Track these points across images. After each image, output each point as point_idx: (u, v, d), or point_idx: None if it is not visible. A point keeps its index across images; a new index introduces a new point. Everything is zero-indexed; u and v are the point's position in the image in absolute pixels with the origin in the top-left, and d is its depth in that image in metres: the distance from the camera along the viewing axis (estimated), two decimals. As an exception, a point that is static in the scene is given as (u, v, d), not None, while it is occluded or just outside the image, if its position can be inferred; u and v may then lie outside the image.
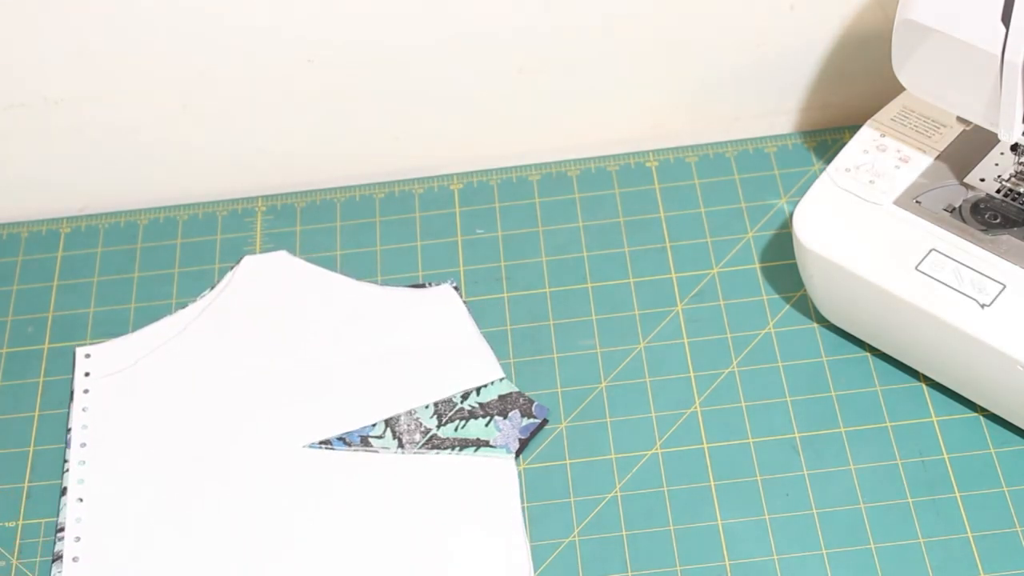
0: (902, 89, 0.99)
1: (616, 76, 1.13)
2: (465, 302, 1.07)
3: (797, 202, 0.99)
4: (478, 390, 1.02)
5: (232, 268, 1.11)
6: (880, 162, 0.99)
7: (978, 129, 0.94)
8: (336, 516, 0.97)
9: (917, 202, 0.97)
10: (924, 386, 0.99)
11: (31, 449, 1.03)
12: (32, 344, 1.09)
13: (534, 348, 1.05)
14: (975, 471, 0.95)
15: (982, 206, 0.96)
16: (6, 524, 1.00)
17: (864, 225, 0.96)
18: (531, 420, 1.00)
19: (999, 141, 0.98)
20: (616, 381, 1.02)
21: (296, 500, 0.98)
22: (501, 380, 1.02)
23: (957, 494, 0.94)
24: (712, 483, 0.97)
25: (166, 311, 1.09)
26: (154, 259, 1.14)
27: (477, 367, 1.03)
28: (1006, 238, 0.94)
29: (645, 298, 1.07)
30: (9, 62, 1.10)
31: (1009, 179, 0.97)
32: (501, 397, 1.02)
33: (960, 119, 0.96)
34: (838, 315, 1.01)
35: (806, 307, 1.04)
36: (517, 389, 1.02)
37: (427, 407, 1.01)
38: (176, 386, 1.04)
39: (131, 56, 1.10)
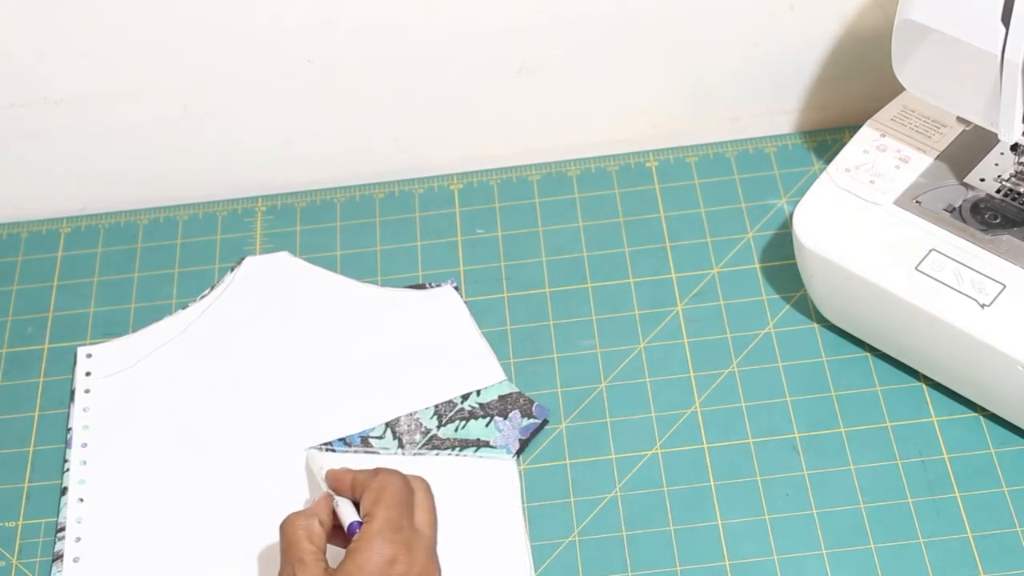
0: (902, 89, 0.99)
1: (616, 76, 1.13)
2: (465, 302, 1.07)
3: (797, 202, 0.99)
4: (478, 390, 1.02)
5: (233, 269, 1.11)
6: (880, 162, 0.99)
7: (978, 129, 0.94)
8: (336, 516, 0.97)
9: (917, 202, 0.97)
10: (924, 386, 0.99)
11: (31, 449, 1.03)
12: (32, 344, 1.09)
13: (534, 348, 1.05)
14: (975, 471, 0.95)
15: (982, 206, 0.96)
16: (6, 524, 1.00)
17: (864, 225, 0.96)
18: (531, 420, 1.00)
19: (999, 141, 0.98)
20: (616, 381, 1.02)
21: (296, 501, 0.98)
22: (501, 381, 1.02)
23: (957, 494, 0.94)
24: (712, 483, 0.97)
25: (166, 311, 1.10)
26: (154, 259, 1.14)
27: (478, 369, 1.03)
28: (1006, 238, 0.94)
29: (645, 298, 1.07)
30: (9, 62, 1.10)
31: (1009, 179, 0.97)
32: (501, 397, 1.02)
33: (960, 119, 0.96)
34: (838, 315, 1.01)
35: (806, 307, 1.04)
36: (517, 389, 1.02)
37: (427, 407, 1.01)
38: (177, 387, 1.04)
39: (131, 56, 1.10)
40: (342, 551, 0.86)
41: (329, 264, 1.11)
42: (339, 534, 0.88)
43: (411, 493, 0.87)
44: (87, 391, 1.05)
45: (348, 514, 0.87)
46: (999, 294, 0.92)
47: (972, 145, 0.99)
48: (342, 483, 0.89)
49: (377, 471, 0.87)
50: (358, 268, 1.11)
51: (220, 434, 1.02)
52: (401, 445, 1.00)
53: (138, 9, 1.07)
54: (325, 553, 0.86)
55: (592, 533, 0.95)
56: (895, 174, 0.98)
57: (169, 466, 1.00)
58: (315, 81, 1.12)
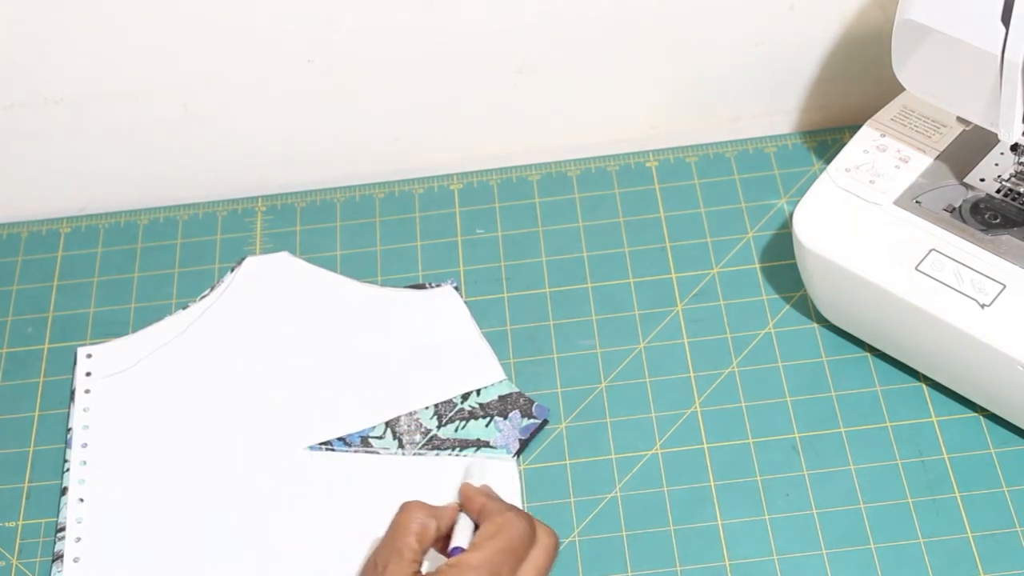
0: (902, 89, 0.99)
1: (616, 76, 1.14)
2: (465, 302, 1.07)
3: (797, 202, 0.99)
4: (478, 390, 1.02)
5: (233, 269, 1.11)
6: (880, 162, 0.99)
7: (978, 129, 0.94)
8: (337, 517, 0.97)
9: (917, 202, 0.97)
10: (924, 386, 0.99)
11: (31, 449, 1.03)
12: (32, 344, 1.09)
13: (534, 348, 1.05)
14: (975, 471, 0.95)
15: (982, 206, 0.96)
16: (6, 524, 1.00)
17: (864, 225, 0.96)
18: (531, 420, 1.00)
19: (999, 141, 0.98)
20: (616, 381, 1.02)
21: (296, 501, 0.98)
22: (501, 381, 1.02)
23: (957, 494, 0.94)
24: (712, 483, 0.97)
25: (166, 311, 1.10)
26: (154, 259, 1.14)
27: (478, 369, 1.03)
28: (1006, 238, 0.94)
29: (645, 298, 1.07)
30: (9, 62, 1.10)
31: (1009, 179, 0.97)
32: (501, 398, 1.02)
33: (960, 119, 0.96)
34: (838, 315, 1.01)
35: (806, 307, 1.04)
36: (517, 389, 1.02)
37: (427, 407, 1.01)
38: (177, 387, 1.04)
39: (131, 56, 1.10)
40: (441, 559, 0.83)
41: (329, 264, 1.11)
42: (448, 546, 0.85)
43: (530, 544, 0.83)
44: (87, 391, 1.05)
45: (460, 536, 0.84)
46: (999, 294, 0.92)
47: (972, 145, 0.99)
48: (472, 504, 0.85)
49: (509, 508, 0.84)
50: (358, 268, 1.11)
51: (220, 434, 1.02)
52: (401, 445, 1.00)
53: (138, 9, 1.07)
54: (425, 555, 0.83)
55: (592, 533, 0.95)
56: (895, 174, 0.98)
57: (169, 466, 1.00)
58: (315, 81, 1.12)
